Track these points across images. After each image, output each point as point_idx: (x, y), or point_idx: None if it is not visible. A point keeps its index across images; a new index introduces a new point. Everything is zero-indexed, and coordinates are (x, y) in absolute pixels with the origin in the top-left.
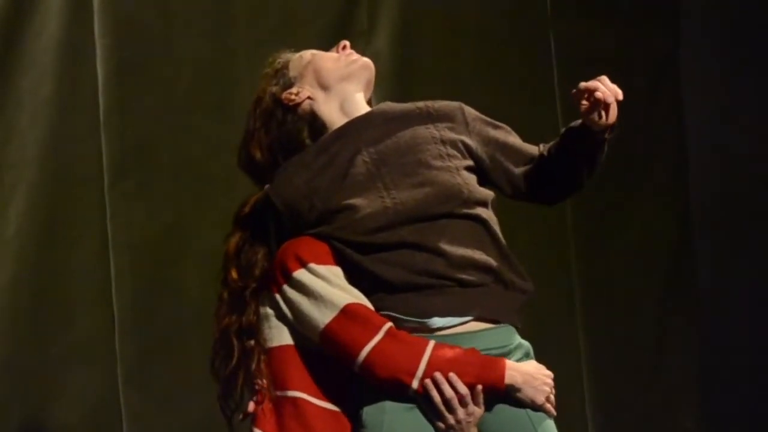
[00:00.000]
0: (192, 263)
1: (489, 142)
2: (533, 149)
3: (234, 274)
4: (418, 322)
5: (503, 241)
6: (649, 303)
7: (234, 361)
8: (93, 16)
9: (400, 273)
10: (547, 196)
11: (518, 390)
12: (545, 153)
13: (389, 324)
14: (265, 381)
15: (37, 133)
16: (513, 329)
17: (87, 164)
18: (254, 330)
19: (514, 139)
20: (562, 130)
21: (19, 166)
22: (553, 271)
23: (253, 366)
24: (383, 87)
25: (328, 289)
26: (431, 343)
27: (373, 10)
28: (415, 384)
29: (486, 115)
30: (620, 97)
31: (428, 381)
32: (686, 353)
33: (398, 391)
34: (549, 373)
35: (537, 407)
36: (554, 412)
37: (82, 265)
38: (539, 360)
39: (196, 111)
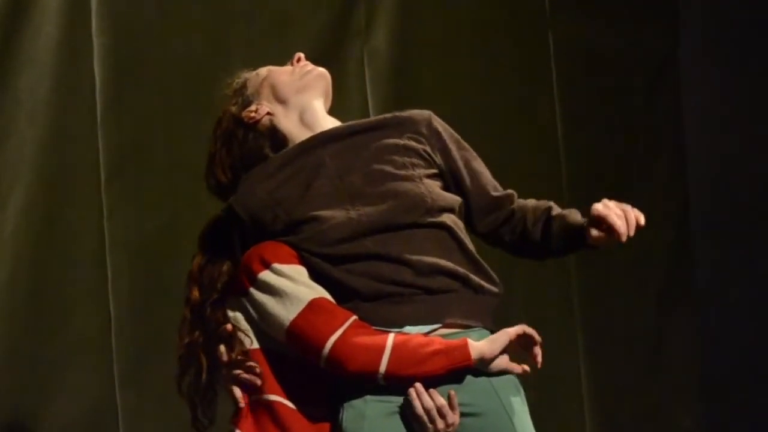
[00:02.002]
0: (188, 262)
1: (453, 159)
2: (497, 190)
3: (196, 293)
4: (391, 331)
5: (470, 246)
6: (648, 303)
7: (204, 376)
8: (91, 15)
9: (367, 283)
10: (496, 244)
11: (487, 361)
12: (518, 214)
13: (354, 317)
14: (247, 379)
15: (35, 132)
16: (487, 332)
17: (84, 163)
18: (222, 338)
19: (478, 165)
20: (552, 211)
21: (16, 165)
22: (552, 271)
23: (232, 370)
24: (381, 85)
25: (293, 286)
26: (393, 333)
27: (371, 8)
28: (381, 371)
29: (485, 113)
30: (642, 223)
31: (411, 391)
32: (685, 352)
33: (366, 381)
34: (510, 331)
35: (506, 370)
36: (520, 370)
37: (78, 264)
38: None
39: (192, 110)
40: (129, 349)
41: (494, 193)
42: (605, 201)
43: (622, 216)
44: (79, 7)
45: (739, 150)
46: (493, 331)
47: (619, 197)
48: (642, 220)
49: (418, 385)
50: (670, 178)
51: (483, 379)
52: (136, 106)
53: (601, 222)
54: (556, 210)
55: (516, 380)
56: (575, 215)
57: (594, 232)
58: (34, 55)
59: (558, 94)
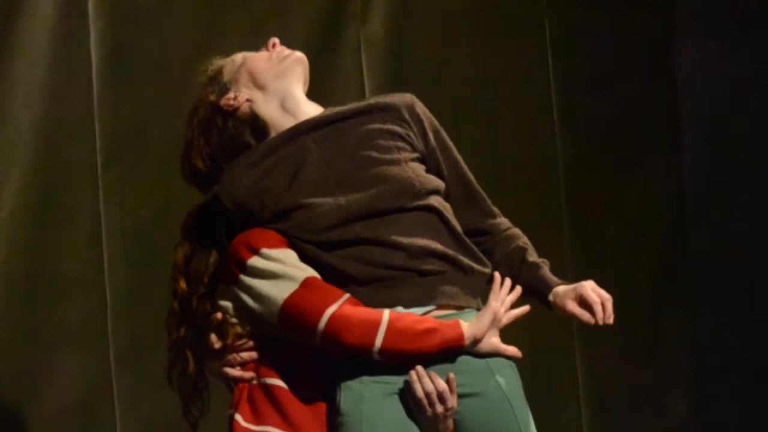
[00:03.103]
0: None
1: (431, 146)
2: (470, 185)
3: (183, 285)
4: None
5: (458, 228)
6: (643, 290)
7: (191, 371)
8: None
9: (360, 267)
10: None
11: (478, 340)
12: (489, 238)
13: (348, 294)
14: (239, 369)
15: (31, 116)
16: (477, 312)
17: (80, 147)
18: (212, 327)
19: (455, 154)
20: (528, 256)
21: (12, 149)
22: (548, 259)
23: (226, 356)
24: (377, 69)
25: (284, 268)
26: (387, 310)
27: None
28: (377, 346)
29: (480, 98)
30: (610, 323)
31: (412, 373)
32: (679, 338)
33: (361, 357)
34: (492, 305)
35: (497, 352)
36: (512, 352)
37: (74, 248)
38: (534, 347)
39: (188, 95)
40: (124, 332)
41: (470, 189)
42: (594, 286)
43: (602, 305)
44: None
45: (733, 138)
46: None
47: (614, 186)
48: (611, 322)
49: (420, 368)
50: (665, 166)
51: (479, 360)
52: (132, 90)
53: (584, 303)
54: (531, 256)
55: (511, 361)
56: (547, 271)
57: (571, 305)
58: (31, 38)
59: (554, 80)
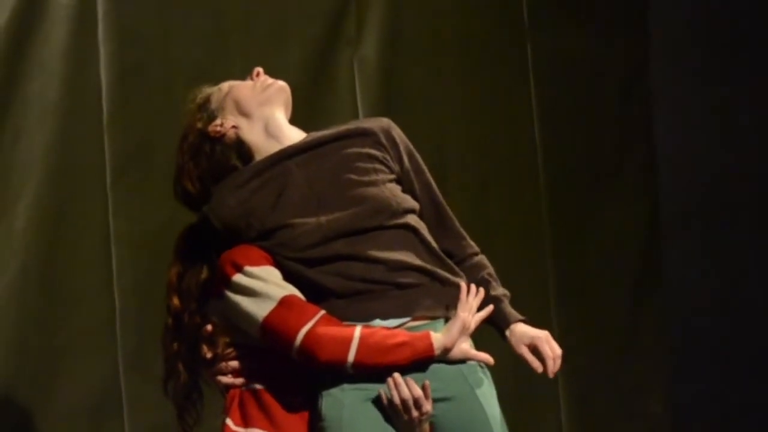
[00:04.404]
0: None
1: (406, 168)
2: (441, 208)
3: (176, 301)
4: (362, 324)
5: (434, 243)
6: (621, 295)
7: (183, 383)
8: (97, 24)
9: (340, 282)
10: None
11: (448, 350)
12: (465, 265)
13: (322, 311)
14: (230, 376)
15: (44, 134)
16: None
17: (90, 163)
18: (203, 338)
19: (427, 177)
20: (492, 291)
21: (27, 165)
22: (529, 259)
23: (218, 366)
24: (370, 90)
25: (265, 286)
26: (360, 325)
27: (361, 19)
28: (349, 361)
29: (467, 117)
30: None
31: (389, 380)
32: (655, 340)
33: (335, 371)
34: (460, 315)
35: (468, 357)
36: (482, 358)
37: (85, 258)
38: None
39: None
40: (132, 336)
41: (440, 210)
42: (549, 338)
43: (555, 359)
44: (86, 16)
45: (705, 149)
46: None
47: (593, 196)
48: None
49: (397, 375)
50: (641, 178)
51: (452, 367)
52: (140, 110)
53: (536, 352)
54: (494, 290)
55: (483, 366)
56: (507, 306)
57: (524, 350)
58: (44, 61)
59: (536, 98)
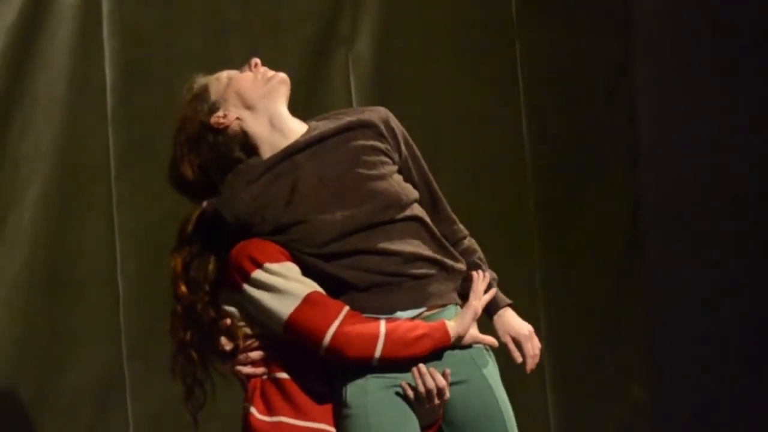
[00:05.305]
0: None
1: (404, 156)
2: (435, 191)
3: (184, 288)
4: (385, 317)
5: (438, 233)
6: (605, 283)
7: (197, 371)
8: (102, 22)
9: (359, 275)
10: None
11: (461, 338)
12: (457, 249)
13: (347, 307)
14: (250, 367)
15: (51, 129)
16: (457, 307)
17: (95, 157)
18: (221, 332)
19: (423, 163)
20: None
21: (34, 158)
22: (517, 251)
23: (239, 356)
24: (364, 88)
25: (286, 283)
26: (383, 321)
27: (355, 19)
28: (376, 356)
29: (458, 112)
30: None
31: (414, 370)
32: (637, 330)
33: (362, 366)
34: (473, 304)
35: (479, 341)
36: (489, 341)
37: (90, 248)
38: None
39: None
40: (136, 324)
41: (434, 196)
42: (532, 334)
43: (534, 357)
44: (91, 15)
45: (687, 148)
46: (459, 305)
47: (578, 190)
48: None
49: (422, 366)
50: (624, 173)
51: (463, 351)
52: (143, 105)
53: (518, 343)
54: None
55: (488, 348)
56: (497, 291)
57: (507, 339)
58: (51, 58)
59: (524, 94)
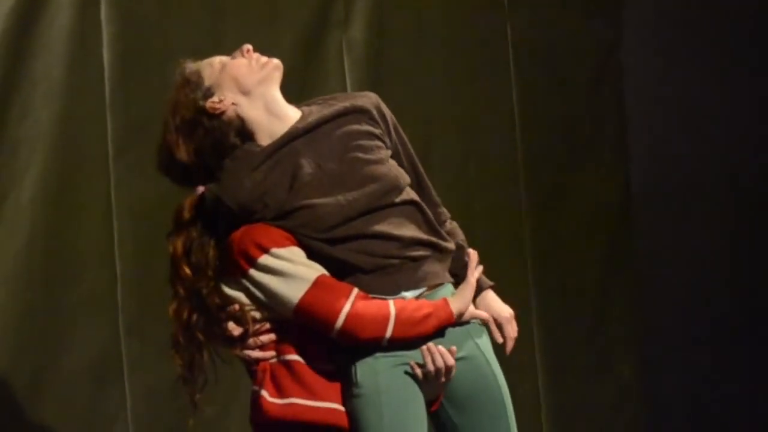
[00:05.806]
0: None
1: (394, 140)
2: (420, 173)
3: (187, 271)
4: (392, 298)
5: (431, 215)
6: (595, 263)
7: (197, 355)
8: (100, 7)
9: (364, 258)
10: None
11: (462, 314)
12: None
13: (355, 289)
14: (259, 351)
15: (50, 112)
16: (450, 285)
17: (94, 139)
18: (229, 317)
19: (410, 147)
20: (465, 256)
21: (33, 141)
22: (508, 232)
23: (248, 340)
24: (358, 72)
25: (294, 267)
26: (391, 301)
27: (349, 3)
28: (387, 337)
29: (449, 96)
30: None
31: (423, 349)
32: (626, 310)
33: (372, 346)
34: (471, 281)
35: (475, 317)
36: (485, 316)
37: (89, 228)
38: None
39: None
40: (133, 303)
41: (420, 179)
42: (512, 317)
43: (513, 339)
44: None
45: (677, 130)
46: (452, 283)
47: (567, 173)
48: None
49: (431, 345)
50: (614, 149)
51: (461, 328)
52: (140, 88)
53: (499, 325)
54: (467, 256)
55: (482, 324)
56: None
57: (491, 320)
58: (49, 42)
59: (515, 76)
